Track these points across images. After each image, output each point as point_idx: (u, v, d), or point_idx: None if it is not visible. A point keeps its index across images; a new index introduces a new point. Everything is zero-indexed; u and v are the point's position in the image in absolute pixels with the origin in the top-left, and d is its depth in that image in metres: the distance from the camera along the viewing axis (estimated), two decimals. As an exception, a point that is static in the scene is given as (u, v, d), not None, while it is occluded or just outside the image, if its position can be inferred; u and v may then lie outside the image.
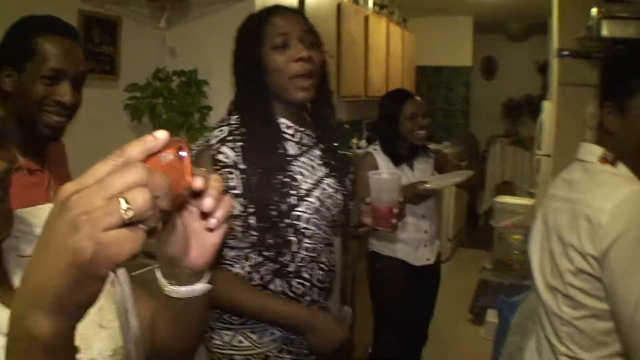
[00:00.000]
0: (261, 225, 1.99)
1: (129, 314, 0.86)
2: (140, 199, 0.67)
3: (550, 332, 1.93)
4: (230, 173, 1.97)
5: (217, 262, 1.95)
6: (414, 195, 3.53)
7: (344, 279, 4.14)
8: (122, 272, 0.75)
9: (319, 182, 2.12)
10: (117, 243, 0.66)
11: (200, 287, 0.99)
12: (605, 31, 3.78)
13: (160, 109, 3.75)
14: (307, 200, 2.04)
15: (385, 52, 6.73)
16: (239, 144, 2.00)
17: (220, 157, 1.96)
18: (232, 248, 2.04)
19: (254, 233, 2.00)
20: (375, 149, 3.81)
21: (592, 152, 1.88)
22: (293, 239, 2.04)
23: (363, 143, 6.77)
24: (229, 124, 2.05)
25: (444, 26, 9.60)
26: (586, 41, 4.36)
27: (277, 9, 2.11)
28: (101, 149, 3.34)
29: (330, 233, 2.23)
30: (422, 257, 3.91)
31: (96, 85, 3.65)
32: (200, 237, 0.91)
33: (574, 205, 1.82)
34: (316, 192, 2.08)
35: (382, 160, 3.72)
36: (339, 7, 5.18)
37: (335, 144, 2.28)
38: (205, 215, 0.86)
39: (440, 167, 3.97)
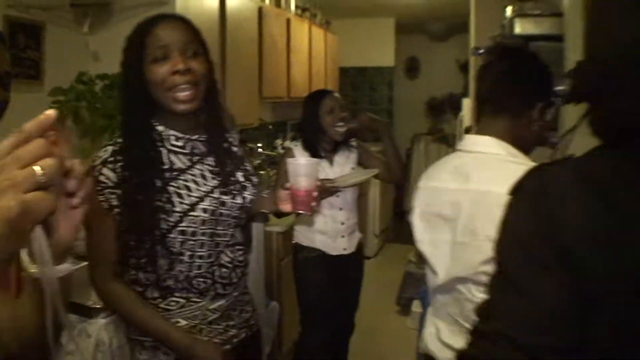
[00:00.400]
0: (137, 244, 2.08)
1: (46, 265, 0.99)
2: (50, 166, 0.85)
3: (462, 316, 2.03)
4: (112, 194, 2.02)
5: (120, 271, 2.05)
6: (321, 191, 3.66)
7: (269, 274, 4.23)
8: (39, 229, 0.93)
9: (209, 192, 2.15)
10: (37, 202, 0.83)
11: (65, 267, 1.09)
12: (518, 29, 3.93)
13: (84, 112, 3.77)
14: (191, 216, 2.09)
15: (308, 54, 6.83)
16: (120, 164, 2.03)
17: (102, 178, 2.00)
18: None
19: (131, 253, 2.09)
20: (296, 145, 3.93)
21: (495, 145, 2.02)
22: (176, 251, 2.12)
23: (288, 143, 6.86)
24: (115, 143, 2.08)
25: (366, 28, 9.77)
26: (500, 39, 4.53)
27: (159, 19, 2.08)
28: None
29: (233, 233, 2.29)
30: (339, 247, 4.01)
31: (22, 90, 3.67)
32: (65, 215, 1.02)
33: (484, 196, 1.90)
34: (204, 204, 2.12)
35: (301, 155, 3.79)
36: (260, 10, 5.26)
37: (228, 147, 2.30)
38: (69, 195, 0.99)
39: (364, 161, 4.07)
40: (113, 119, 3.68)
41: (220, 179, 2.20)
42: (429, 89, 10.83)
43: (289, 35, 6.04)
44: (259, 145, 5.84)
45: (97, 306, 2.84)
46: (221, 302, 2.26)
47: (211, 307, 2.25)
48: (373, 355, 5.31)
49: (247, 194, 2.30)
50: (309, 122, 3.90)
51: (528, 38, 3.99)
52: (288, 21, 6.05)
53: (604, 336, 0.89)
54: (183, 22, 2.12)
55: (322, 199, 3.84)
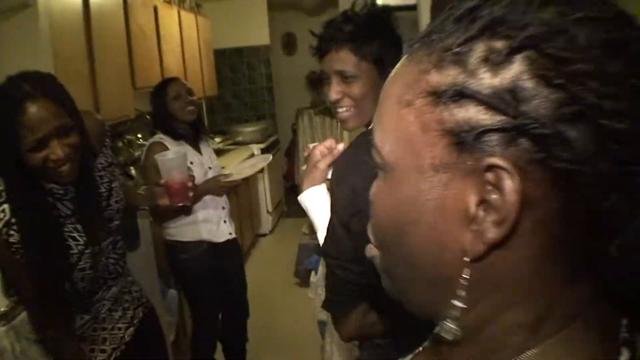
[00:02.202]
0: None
1: None
2: None
3: None
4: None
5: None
6: (219, 188, 3.73)
7: (159, 265, 4.25)
8: None
9: (82, 252, 2.28)
10: None
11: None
12: (380, 0, 4.10)
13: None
14: (79, 266, 2.26)
15: (180, 40, 6.80)
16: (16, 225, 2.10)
17: (12, 239, 2.10)
18: None
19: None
20: (161, 137, 3.89)
21: None
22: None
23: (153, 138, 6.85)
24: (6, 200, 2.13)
25: (238, 7, 9.74)
26: (364, 10, 4.70)
27: (26, 101, 2.00)
28: None
29: (112, 240, 2.44)
30: (225, 232, 4.08)
31: None
32: None
33: None
34: (81, 264, 2.27)
35: (169, 143, 3.82)
36: (125, 1, 5.22)
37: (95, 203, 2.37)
38: None
39: None
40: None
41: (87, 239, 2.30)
42: (308, 63, 10.91)
43: (157, 24, 6.00)
44: (139, 136, 5.82)
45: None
46: (113, 289, 2.38)
47: (107, 296, 2.36)
48: (278, 329, 5.45)
49: (116, 205, 2.42)
50: (159, 112, 3.95)
51: (386, 8, 4.19)
52: (155, 9, 6.01)
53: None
54: (52, 99, 2.07)
55: (223, 195, 3.93)
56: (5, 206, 2.10)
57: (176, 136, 3.88)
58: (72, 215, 2.26)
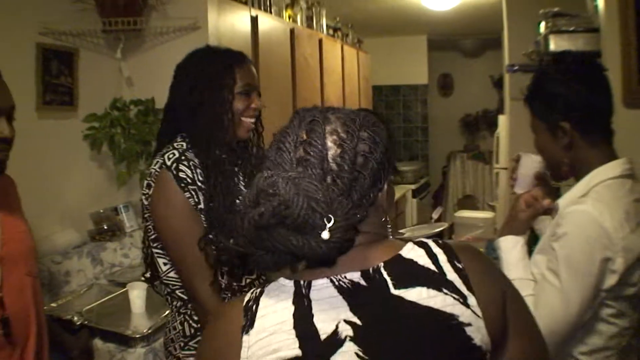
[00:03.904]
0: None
1: None
2: None
3: None
4: (193, 189, 2.08)
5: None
6: None
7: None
8: None
9: None
10: None
11: None
12: (552, 45, 3.85)
13: (119, 138, 3.78)
14: None
15: (341, 74, 6.78)
16: (192, 162, 2.11)
17: (181, 175, 2.06)
18: None
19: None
20: None
21: None
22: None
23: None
24: (174, 148, 2.15)
25: (399, 46, 9.73)
26: (535, 56, 4.45)
27: (243, 60, 2.34)
28: (63, 179, 3.42)
29: None
30: None
31: (56, 116, 3.69)
32: None
33: None
34: None
35: None
36: (292, 32, 5.23)
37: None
38: None
39: None
40: (148, 144, 3.68)
41: None
42: (463, 105, 10.72)
43: (321, 56, 6.00)
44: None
45: (136, 335, 2.82)
46: None
47: None
48: None
49: None
50: None
51: (563, 54, 3.92)
52: (320, 42, 6.02)
53: None
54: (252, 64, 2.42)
55: None
56: (175, 151, 2.13)
57: None
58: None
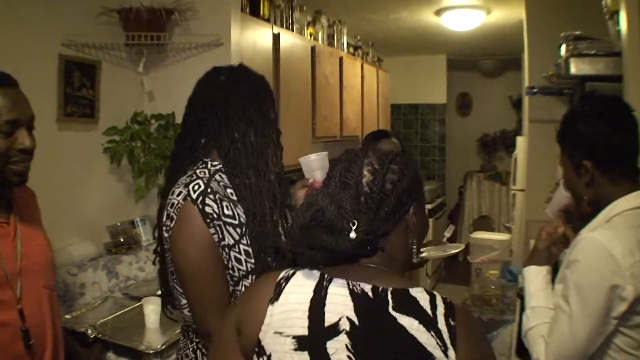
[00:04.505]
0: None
1: None
2: None
3: None
4: (219, 225, 2.00)
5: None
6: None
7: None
8: None
9: None
10: None
11: None
12: (573, 68, 3.83)
13: (138, 152, 3.80)
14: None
15: (360, 92, 6.81)
16: (218, 195, 2.02)
17: (207, 209, 1.98)
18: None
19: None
20: None
21: None
22: None
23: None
24: (198, 177, 2.06)
25: (418, 65, 9.75)
26: (555, 78, 4.44)
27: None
28: (81, 191, 3.42)
29: None
30: None
31: (76, 128, 3.71)
32: None
33: None
34: None
35: None
36: (313, 49, 5.25)
37: None
38: None
39: None
40: (167, 158, 3.69)
41: None
42: (481, 125, 10.70)
43: (341, 74, 6.02)
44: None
45: (150, 351, 2.82)
46: None
47: None
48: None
49: None
50: None
51: (584, 78, 3.90)
52: (341, 60, 6.04)
53: None
54: None
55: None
56: (199, 181, 2.03)
57: None
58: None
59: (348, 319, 1.41)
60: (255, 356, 1.46)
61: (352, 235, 1.43)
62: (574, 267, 1.83)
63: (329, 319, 1.42)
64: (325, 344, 1.40)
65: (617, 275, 1.74)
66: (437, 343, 1.37)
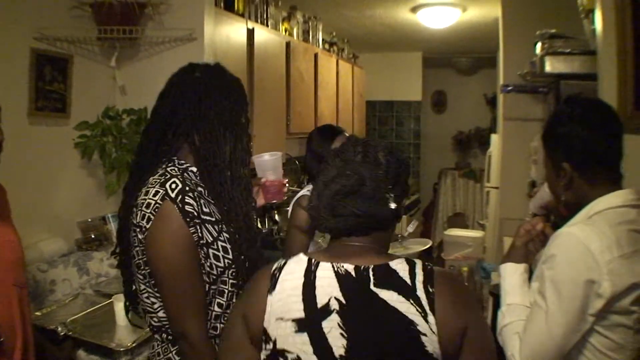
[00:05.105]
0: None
1: None
2: None
3: None
4: (198, 223, 1.97)
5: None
6: None
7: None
8: None
9: None
10: None
11: None
12: (548, 67, 3.84)
13: (110, 147, 3.75)
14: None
15: (335, 88, 6.81)
16: (196, 193, 2.00)
17: (188, 208, 1.94)
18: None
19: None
20: (309, 190, 3.44)
21: None
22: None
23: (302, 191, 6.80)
24: (172, 175, 2.02)
25: (394, 61, 9.77)
26: (530, 77, 4.46)
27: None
28: (52, 186, 3.38)
29: None
30: None
31: (48, 123, 3.66)
32: None
33: None
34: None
35: None
36: (288, 45, 5.24)
37: None
38: None
39: None
40: (138, 154, 3.65)
41: None
42: (456, 123, 10.73)
43: (316, 70, 6.02)
44: (286, 181, 5.74)
45: (120, 349, 2.80)
46: None
47: None
48: None
49: None
50: (316, 164, 3.27)
51: (559, 76, 3.91)
52: (316, 56, 6.03)
53: None
54: None
55: None
56: (175, 179, 1.98)
57: None
58: None
59: (336, 299, 1.55)
60: (263, 343, 1.61)
61: (392, 205, 1.61)
62: (550, 262, 1.82)
63: (321, 301, 1.56)
64: (321, 324, 1.54)
65: (594, 271, 1.73)
66: (417, 310, 1.52)
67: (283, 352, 1.57)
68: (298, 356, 1.55)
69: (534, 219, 2.17)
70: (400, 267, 1.58)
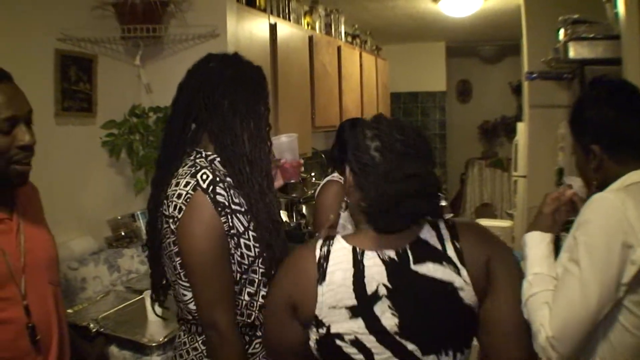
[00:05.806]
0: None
1: None
2: None
3: None
4: (230, 213, 1.99)
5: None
6: None
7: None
8: None
9: None
10: None
11: None
12: (572, 52, 3.82)
13: (137, 145, 3.78)
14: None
15: (359, 81, 6.79)
16: (227, 183, 2.02)
17: (219, 198, 1.97)
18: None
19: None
20: (333, 176, 3.51)
21: None
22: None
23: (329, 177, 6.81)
24: (203, 167, 2.04)
25: (417, 52, 9.74)
26: (554, 63, 4.42)
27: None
28: (81, 185, 3.40)
29: None
30: None
31: (74, 122, 3.69)
32: None
33: None
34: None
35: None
36: (310, 39, 5.24)
37: None
38: None
39: None
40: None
41: None
42: (481, 112, 10.67)
43: (340, 63, 6.01)
44: (312, 174, 5.76)
45: (152, 344, 2.81)
46: None
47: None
48: None
49: None
50: (340, 152, 3.53)
51: (583, 62, 3.88)
52: (339, 49, 6.02)
53: None
54: None
55: None
56: (205, 170, 2.01)
57: None
58: None
59: (384, 285, 1.69)
60: (314, 328, 1.73)
61: (443, 202, 1.83)
62: (584, 228, 1.78)
63: (370, 288, 1.69)
64: (373, 309, 1.68)
65: (630, 235, 1.70)
66: (451, 270, 1.70)
67: (339, 335, 1.70)
68: (356, 337, 1.68)
69: (562, 187, 2.12)
70: (429, 235, 1.75)
